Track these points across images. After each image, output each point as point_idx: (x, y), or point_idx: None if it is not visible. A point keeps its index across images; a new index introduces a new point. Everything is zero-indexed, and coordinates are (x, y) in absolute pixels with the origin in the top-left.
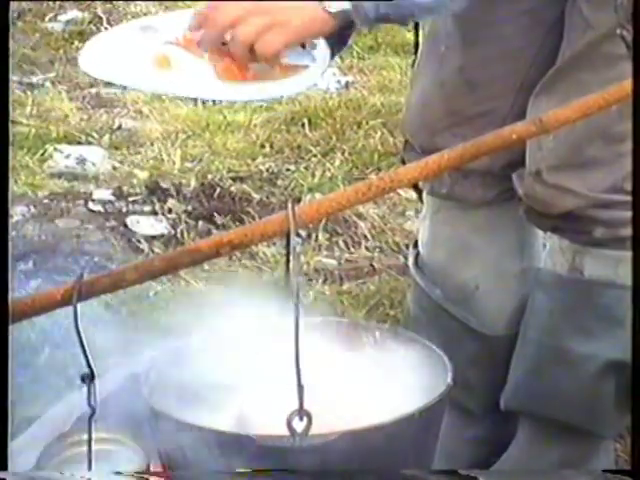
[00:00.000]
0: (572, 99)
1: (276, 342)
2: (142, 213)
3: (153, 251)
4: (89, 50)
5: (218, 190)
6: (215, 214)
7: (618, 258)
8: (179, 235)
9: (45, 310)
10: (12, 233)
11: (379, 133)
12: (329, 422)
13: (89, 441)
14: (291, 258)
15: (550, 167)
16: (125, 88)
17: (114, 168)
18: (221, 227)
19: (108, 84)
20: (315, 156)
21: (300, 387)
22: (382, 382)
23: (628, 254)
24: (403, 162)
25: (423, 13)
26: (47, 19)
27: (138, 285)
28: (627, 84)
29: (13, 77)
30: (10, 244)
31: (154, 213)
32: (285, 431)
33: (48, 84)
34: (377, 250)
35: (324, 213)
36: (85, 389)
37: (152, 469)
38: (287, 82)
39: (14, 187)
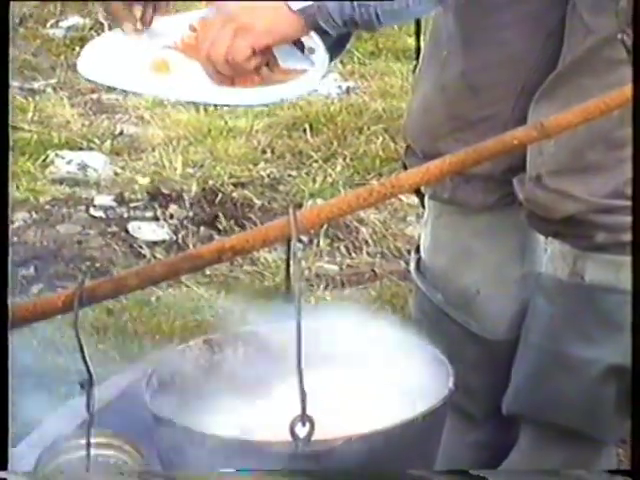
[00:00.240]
0: (573, 104)
1: (278, 348)
2: (143, 219)
3: (155, 257)
4: (87, 54)
5: (220, 196)
6: (217, 220)
7: (619, 263)
8: (180, 241)
9: (46, 316)
10: (14, 239)
11: (380, 138)
12: (331, 427)
13: (87, 446)
14: (292, 263)
15: (551, 172)
16: (126, 94)
17: (115, 174)
18: (223, 233)
19: (109, 90)
20: (316, 161)
21: (302, 393)
22: (384, 387)
23: (629, 259)
24: (405, 167)
25: (388, 17)
26: (48, 25)
27: (140, 290)
28: (628, 89)
29: (14, 83)
30: (11, 250)
31: (155, 219)
32: (288, 437)
33: (49, 90)
34: (378, 255)
35: (325, 219)
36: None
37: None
38: (286, 87)
39: (16, 193)
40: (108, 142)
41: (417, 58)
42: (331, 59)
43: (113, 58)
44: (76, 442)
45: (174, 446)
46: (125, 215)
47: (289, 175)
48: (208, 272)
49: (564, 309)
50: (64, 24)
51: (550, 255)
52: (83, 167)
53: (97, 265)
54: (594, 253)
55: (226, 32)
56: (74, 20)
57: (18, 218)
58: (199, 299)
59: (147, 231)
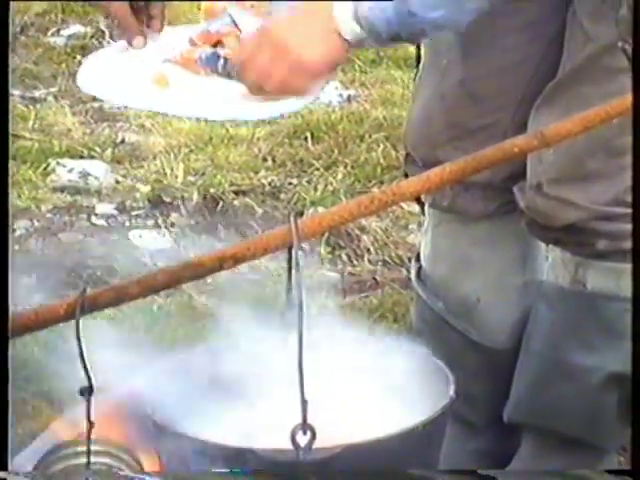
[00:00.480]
0: (573, 112)
1: (279, 356)
2: (145, 227)
3: (156, 265)
4: (87, 69)
5: (221, 204)
6: (218, 228)
7: (620, 270)
8: (182, 249)
9: (48, 324)
10: (15, 247)
11: (381, 146)
12: (332, 436)
13: (88, 454)
14: (293, 272)
15: (551, 180)
16: None
17: (117, 182)
18: (224, 241)
19: None
20: (318, 169)
21: (304, 401)
22: (385, 395)
23: (630, 267)
24: (406, 175)
25: (433, 30)
26: (50, 33)
27: (141, 299)
28: (628, 98)
29: (16, 91)
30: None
31: (157, 227)
32: (289, 445)
33: (51, 98)
34: (380, 263)
35: (327, 226)
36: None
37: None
38: (286, 102)
39: (17, 201)
40: (109, 150)
41: (417, 66)
42: None
43: (112, 72)
44: (75, 450)
45: (175, 454)
46: (126, 223)
47: (290, 183)
48: (209, 280)
49: (565, 317)
50: (65, 32)
51: (551, 263)
52: (84, 175)
53: (98, 273)
54: (595, 261)
55: (281, 67)
56: (75, 28)
57: (20, 226)
58: (200, 307)
59: (148, 239)
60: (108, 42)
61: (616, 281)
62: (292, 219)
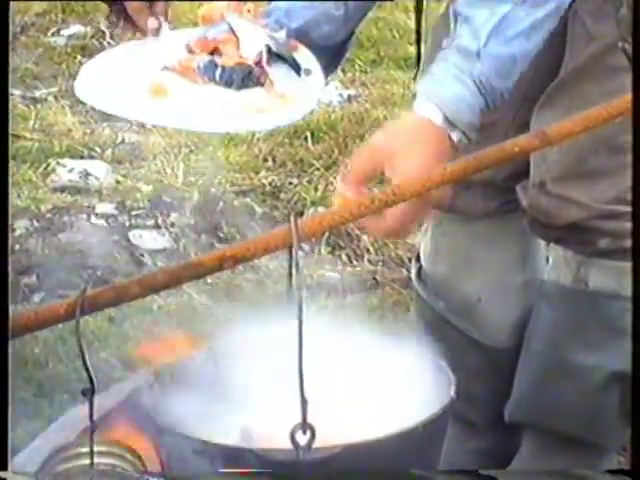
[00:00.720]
0: (576, 111)
1: (279, 355)
2: (145, 227)
3: (156, 265)
4: (84, 77)
5: (221, 204)
6: (218, 228)
7: (622, 269)
8: (182, 249)
9: (48, 324)
10: (15, 247)
11: None
12: (332, 435)
13: (91, 454)
14: (294, 272)
15: (554, 178)
16: None
17: (117, 182)
18: (224, 241)
19: None
20: (318, 169)
21: (304, 400)
22: (385, 395)
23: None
24: None
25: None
26: (50, 33)
27: (141, 299)
28: (629, 97)
29: (16, 91)
30: (13, 258)
31: (157, 227)
32: (288, 445)
33: (51, 98)
34: (380, 263)
35: (327, 226)
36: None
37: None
38: (285, 112)
39: (17, 201)
40: (109, 150)
41: (418, 66)
42: (327, 74)
43: (110, 82)
44: (77, 451)
45: (176, 454)
46: (126, 223)
47: (290, 183)
48: (210, 280)
49: (567, 315)
50: (66, 32)
51: (553, 262)
52: (85, 175)
53: (99, 273)
54: (598, 259)
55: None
56: (76, 28)
57: (20, 226)
58: (201, 307)
59: (148, 239)
60: (108, 42)
61: (618, 280)
62: (292, 219)
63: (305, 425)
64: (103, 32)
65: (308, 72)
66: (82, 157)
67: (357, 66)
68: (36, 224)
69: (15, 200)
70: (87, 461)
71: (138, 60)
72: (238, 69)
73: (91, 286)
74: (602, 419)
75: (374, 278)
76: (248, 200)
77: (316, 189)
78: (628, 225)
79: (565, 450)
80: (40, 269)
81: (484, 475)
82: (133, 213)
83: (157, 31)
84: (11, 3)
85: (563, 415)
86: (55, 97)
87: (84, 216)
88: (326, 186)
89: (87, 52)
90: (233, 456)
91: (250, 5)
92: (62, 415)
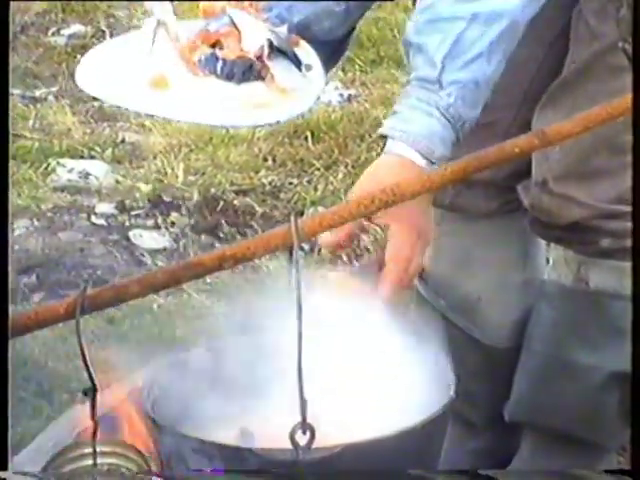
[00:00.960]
0: (578, 111)
1: (279, 355)
2: (145, 227)
3: (156, 264)
4: (85, 66)
5: (221, 203)
6: (218, 227)
7: (624, 269)
8: (182, 249)
9: (48, 323)
10: (15, 246)
11: (382, 146)
12: (332, 435)
13: (94, 454)
14: (294, 271)
15: (556, 177)
16: None
17: (117, 182)
18: (224, 240)
19: None
20: (318, 169)
21: (303, 400)
22: (385, 395)
23: None
24: None
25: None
26: (50, 33)
27: (141, 298)
28: (629, 97)
29: (16, 91)
30: (13, 257)
31: (157, 227)
32: (288, 444)
33: (51, 98)
34: None
35: (327, 226)
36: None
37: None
38: (285, 107)
39: (17, 200)
40: (109, 150)
41: None
42: (327, 69)
43: (111, 72)
44: (79, 451)
45: (175, 453)
46: (126, 223)
47: (290, 183)
48: (209, 280)
49: (567, 315)
50: (66, 32)
51: (553, 261)
52: (84, 175)
53: (98, 273)
54: (599, 259)
55: (422, 250)
56: (76, 28)
57: (20, 226)
58: (200, 307)
59: (148, 239)
60: None
61: (619, 279)
62: (292, 219)
63: (305, 425)
64: (103, 32)
65: (309, 67)
66: (82, 157)
67: (357, 66)
68: (36, 223)
69: (15, 199)
70: (90, 461)
71: (139, 51)
72: (239, 63)
73: (91, 286)
74: (602, 419)
75: None
76: (248, 200)
77: (316, 189)
78: (629, 225)
79: (565, 450)
80: (40, 268)
81: (484, 475)
82: (133, 213)
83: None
84: (11, 3)
85: (563, 415)
86: (55, 97)
87: (84, 216)
88: (326, 186)
89: (87, 52)
90: (233, 456)
91: (252, 2)
92: (62, 415)
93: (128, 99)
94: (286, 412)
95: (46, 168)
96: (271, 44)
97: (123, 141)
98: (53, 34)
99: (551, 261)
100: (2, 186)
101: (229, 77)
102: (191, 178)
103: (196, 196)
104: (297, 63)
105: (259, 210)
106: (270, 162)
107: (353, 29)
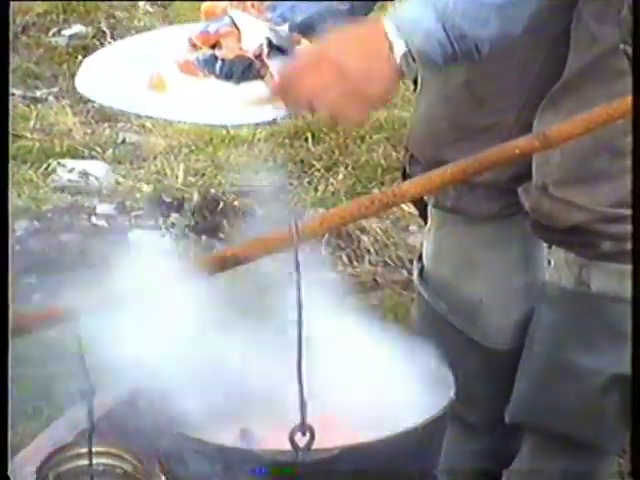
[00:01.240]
0: (579, 113)
1: (278, 357)
2: (145, 227)
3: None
4: (84, 71)
5: (221, 204)
6: (218, 228)
7: (625, 272)
8: (182, 250)
9: (48, 324)
10: (16, 247)
11: (382, 147)
12: (332, 436)
13: (90, 455)
14: (294, 272)
15: (557, 181)
16: None
17: (117, 182)
18: (224, 241)
19: None
20: (318, 170)
21: (303, 402)
22: (385, 395)
23: None
24: (404, 176)
25: (488, 45)
26: (51, 33)
27: None
28: (629, 99)
29: (17, 91)
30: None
31: (157, 227)
32: (288, 446)
33: (52, 98)
34: (380, 265)
35: (327, 227)
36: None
37: None
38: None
39: (18, 201)
40: (110, 150)
41: None
42: None
43: (111, 76)
44: (76, 451)
45: (175, 454)
46: (126, 223)
47: (291, 184)
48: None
49: (568, 318)
50: (67, 32)
51: (555, 264)
52: (85, 175)
53: (99, 273)
54: (600, 262)
55: (338, 91)
56: (77, 28)
57: (20, 226)
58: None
59: (148, 239)
60: (109, 42)
61: (620, 282)
62: (293, 220)
63: (304, 426)
64: (104, 32)
65: None
66: (83, 157)
67: None
68: (36, 224)
69: (16, 200)
70: (86, 462)
71: (138, 54)
72: (238, 62)
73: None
74: (602, 421)
75: (374, 279)
76: (248, 201)
77: (316, 190)
78: (630, 228)
79: (565, 452)
80: (40, 269)
81: (484, 475)
82: (133, 213)
83: None
84: (12, 3)
85: (563, 417)
86: (56, 97)
87: (84, 216)
88: (326, 187)
89: (88, 52)
90: (232, 457)
91: (254, 2)
92: (62, 415)
93: (128, 102)
94: (286, 413)
95: (46, 168)
96: (270, 43)
97: (124, 142)
98: (54, 34)
99: (552, 264)
100: (2, 186)
101: (228, 76)
102: (191, 179)
103: (196, 197)
104: None
105: (259, 211)
106: (270, 163)
107: None
